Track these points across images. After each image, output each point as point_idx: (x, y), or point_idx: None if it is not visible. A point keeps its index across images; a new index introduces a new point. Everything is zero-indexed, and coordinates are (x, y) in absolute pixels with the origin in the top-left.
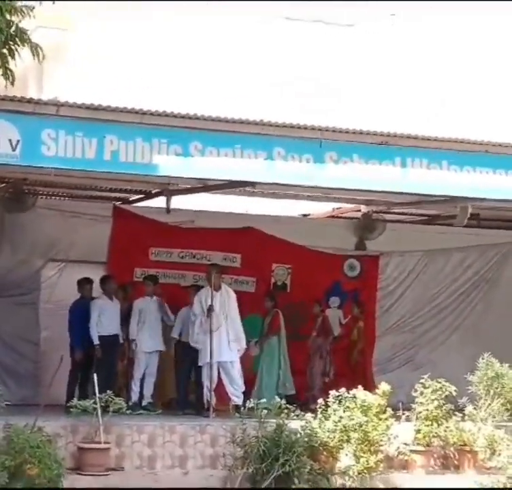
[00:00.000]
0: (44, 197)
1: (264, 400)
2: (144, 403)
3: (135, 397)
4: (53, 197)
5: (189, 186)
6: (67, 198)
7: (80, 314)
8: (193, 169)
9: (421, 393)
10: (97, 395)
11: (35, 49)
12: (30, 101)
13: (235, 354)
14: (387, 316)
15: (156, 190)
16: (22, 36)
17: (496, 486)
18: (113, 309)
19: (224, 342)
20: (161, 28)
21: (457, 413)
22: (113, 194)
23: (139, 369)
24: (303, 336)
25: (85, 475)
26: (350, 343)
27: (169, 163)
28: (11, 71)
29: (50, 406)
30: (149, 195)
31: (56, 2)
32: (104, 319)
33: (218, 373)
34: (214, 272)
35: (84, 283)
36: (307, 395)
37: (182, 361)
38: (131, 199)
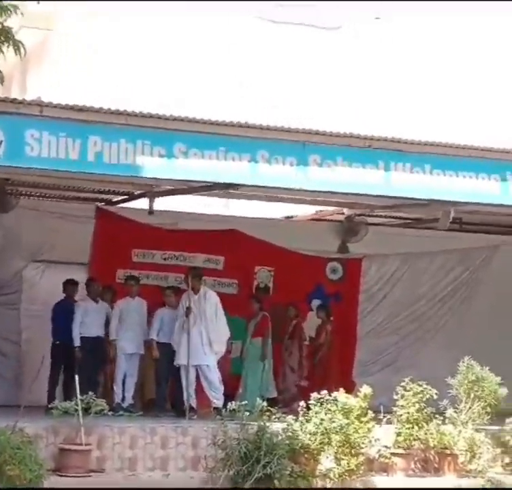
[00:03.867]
0: (27, 197)
1: (246, 402)
2: (125, 404)
3: (117, 398)
4: (36, 198)
5: (172, 188)
6: (50, 199)
7: (63, 315)
8: (177, 171)
9: (402, 396)
10: (78, 396)
11: (17, 46)
12: (13, 101)
13: (211, 357)
14: (369, 318)
15: (140, 192)
16: (6, 34)
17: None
18: (97, 312)
19: (198, 345)
20: (146, 28)
21: (437, 416)
22: (96, 196)
23: (119, 370)
24: (282, 339)
25: (66, 476)
26: (318, 346)
27: (152, 165)
28: None
29: (31, 407)
30: (132, 196)
31: (40, 2)
32: (88, 321)
33: (198, 376)
34: (191, 275)
35: (70, 284)
36: (278, 398)
37: (161, 362)
38: (114, 200)
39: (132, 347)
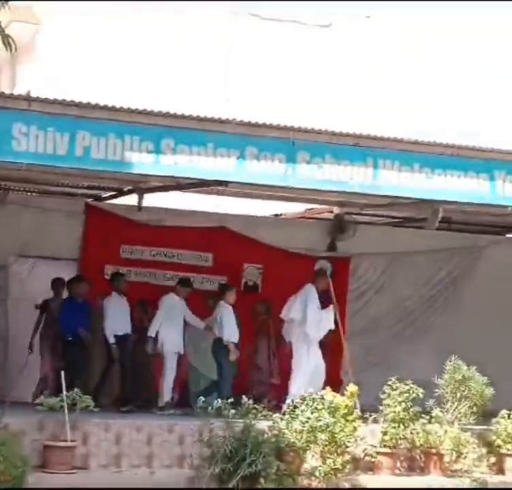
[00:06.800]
0: (15, 192)
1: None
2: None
3: (167, 397)
4: (24, 193)
5: (161, 184)
6: (38, 194)
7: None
8: (165, 167)
9: (389, 395)
10: (64, 392)
11: (7, 40)
12: (1, 95)
13: None
14: (358, 317)
15: (128, 188)
16: None
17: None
18: (124, 308)
19: None
20: (133, 24)
21: (424, 415)
22: (85, 191)
23: (172, 369)
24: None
25: (50, 473)
26: None
27: (140, 160)
28: None
29: (17, 403)
30: (121, 192)
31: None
32: (117, 317)
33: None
34: (320, 276)
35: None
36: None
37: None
38: (103, 196)
39: (180, 346)
